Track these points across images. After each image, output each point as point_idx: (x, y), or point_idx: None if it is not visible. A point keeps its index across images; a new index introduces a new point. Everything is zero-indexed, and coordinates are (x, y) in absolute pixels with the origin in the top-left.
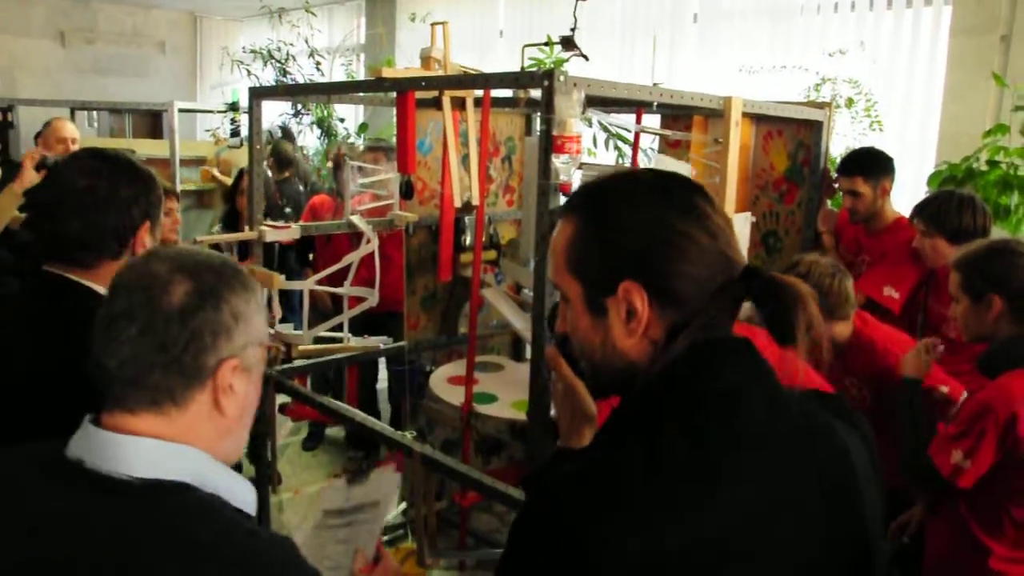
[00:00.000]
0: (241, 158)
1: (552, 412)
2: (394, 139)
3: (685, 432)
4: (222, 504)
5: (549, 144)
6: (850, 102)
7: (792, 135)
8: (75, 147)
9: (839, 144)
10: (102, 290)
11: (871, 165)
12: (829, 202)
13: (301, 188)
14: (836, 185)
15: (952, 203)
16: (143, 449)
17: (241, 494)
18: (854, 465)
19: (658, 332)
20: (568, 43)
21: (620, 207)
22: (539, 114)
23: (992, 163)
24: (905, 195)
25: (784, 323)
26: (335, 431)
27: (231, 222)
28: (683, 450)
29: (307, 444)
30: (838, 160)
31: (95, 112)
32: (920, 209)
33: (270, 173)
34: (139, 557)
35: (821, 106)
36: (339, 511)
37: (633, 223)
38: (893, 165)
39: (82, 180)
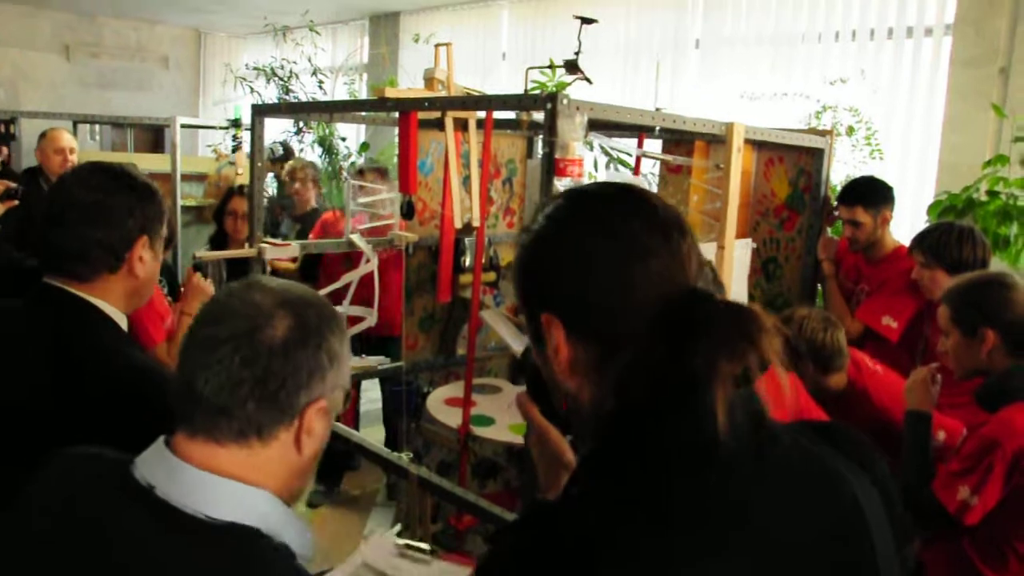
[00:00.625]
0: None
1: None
2: (394, 159)
3: (643, 505)
4: (290, 553)
5: (551, 167)
6: (851, 130)
7: (793, 162)
8: (73, 157)
9: (840, 172)
10: (104, 306)
11: (871, 194)
12: (829, 230)
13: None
14: (836, 213)
15: (952, 235)
16: (222, 490)
17: (300, 545)
18: (867, 521)
19: (590, 370)
20: (572, 67)
21: (545, 226)
22: (541, 137)
23: (992, 193)
24: (904, 224)
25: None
26: None
27: (219, 244)
28: (641, 526)
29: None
30: (839, 188)
31: (97, 126)
32: (920, 240)
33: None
34: None
35: (823, 133)
36: (381, 573)
37: (547, 247)
38: (893, 194)
39: (77, 193)
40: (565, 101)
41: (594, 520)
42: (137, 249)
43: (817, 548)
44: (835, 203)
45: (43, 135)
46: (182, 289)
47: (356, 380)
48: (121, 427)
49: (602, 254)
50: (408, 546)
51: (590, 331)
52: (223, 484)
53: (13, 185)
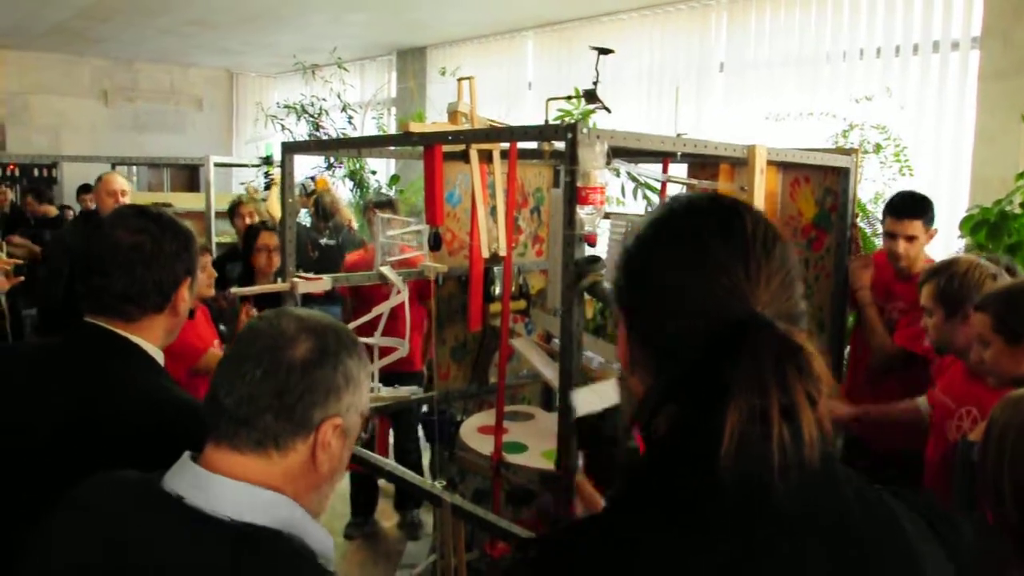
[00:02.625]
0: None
1: None
2: (421, 192)
3: (722, 512)
4: (312, 553)
5: (573, 195)
6: (878, 148)
7: (819, 182)
8: (125, 199)
9: (868, 190)
10: (145, 344)
11: (927, 209)
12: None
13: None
14: (883, 226)
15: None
16: (244, 493)
17: (322, 546)
18: None
19: (642, 372)
20: (591, 96)
21: (641, 229)
22: (564, 165)
23: None
24: (938, 242)
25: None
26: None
27: (247, 281)
28: (723, 535)
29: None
30: (867, 206)
31: (135, 167)
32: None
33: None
34: None
35: (848, 152)
36: None
37: (633, 248)
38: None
39: (128, 237)
40: (585, 130)
41: (623, 555)
42: (183, 290)
43: None
44: (882, 216)
45: (99, 179)
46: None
47: (390, 411)
48: (148, 457)
49: (667, 259)
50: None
51: (641, 335)
52: (245, 489)
53: (20, 261)
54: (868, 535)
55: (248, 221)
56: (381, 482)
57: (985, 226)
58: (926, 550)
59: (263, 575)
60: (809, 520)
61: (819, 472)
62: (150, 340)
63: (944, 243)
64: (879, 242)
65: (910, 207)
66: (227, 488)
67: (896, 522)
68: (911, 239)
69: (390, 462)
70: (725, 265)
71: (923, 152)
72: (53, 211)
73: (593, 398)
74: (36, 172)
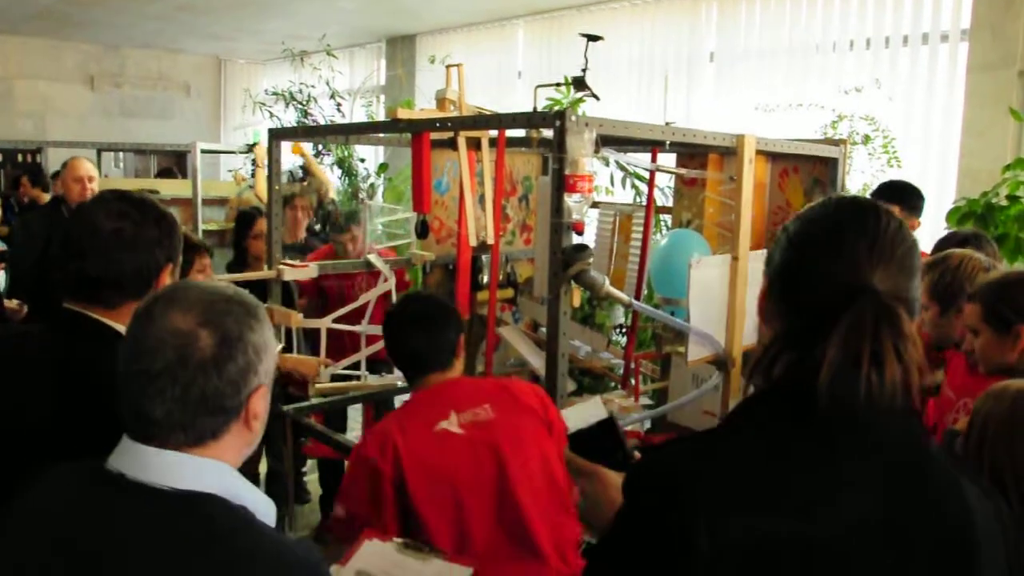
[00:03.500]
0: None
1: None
2: (409, 180)
3: (810, 429)
4: (250, 514)
5: (561, 183)
6: (867, 139)
7: (808, 172)
8: (92, 185)
9: (857, 180)
10: (116, 325)
11: (910, 196)
12: None
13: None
14: None
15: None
16: (180, 464)
17: (264, 508)
18: (975, 530)
19: (777, 327)
20: (580, 83)
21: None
22: (552, 153)
23: (1012, 198)
24: (924, 232)
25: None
26: None
27: (237, 267)
28: (807, 445)
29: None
30: (868, 195)
31: (121, 153)
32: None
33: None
34: (183, 558)
35: (837, 143)
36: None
37: (792, 226)
38: (923, 206)
39: (109, 222)
40: (573, 118)
41: (763, 443)
42: (164, 277)
43: (929, 524)
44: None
45: (64, 165)
46: None
47: (376, 399)
48: None
49: (810, 238)
50: (406, 544)
51: (776, 292)
52: (186, 460)
53: None
54: (931, 477)
55: (300, 216)
56: None
57: (972, 217)
58: (978, 506)
59: (206, 540)
60: (878, 447)
61: (899, 415)
62: None
63: (931, 236)
64: None
65: (887, 192)
66: (165, 460)
67: (955, 476)
68: None
69: None
70: (852, 244)
71: (911, 143)
72: (45, 197)
73: (581, 415)
74: (20, 158)
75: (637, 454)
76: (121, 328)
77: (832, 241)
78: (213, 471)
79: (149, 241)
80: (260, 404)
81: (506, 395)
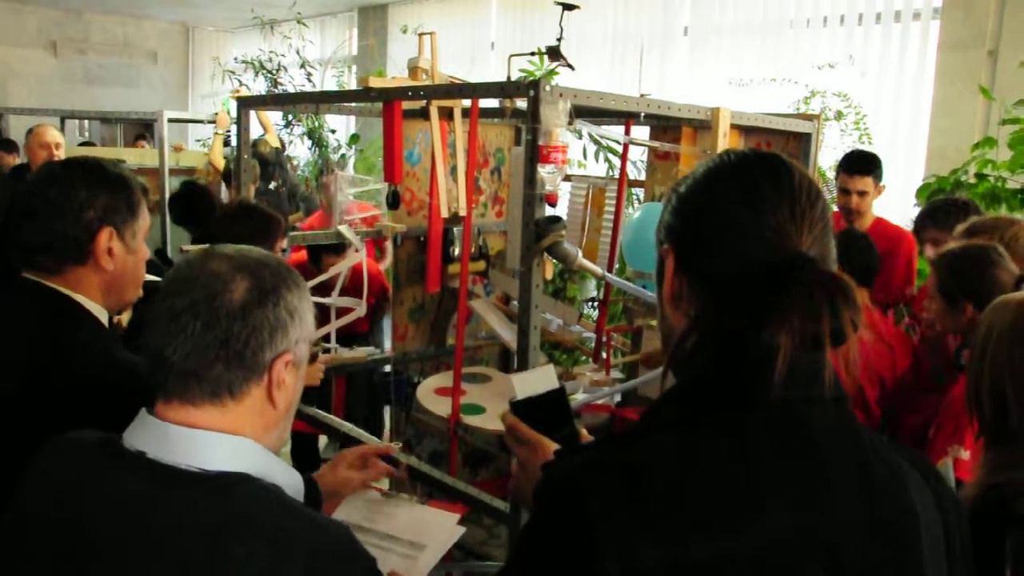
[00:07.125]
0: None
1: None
2: (381, 152)
3: (740, 427)
4: (282, 492)
5: (535, 154)
6: (840, 115)
7: (781, 147)
8: (59, 152)
9: (828, 157)
10: (79, 298)
11: (877, 166)
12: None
13: (288, 202)
14: (836, 184)
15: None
16: (208, 443)
17: (294, 484)
18: (919, 525)
19: (686, 305)
20: (554, 53)
21: (692, 174)
22: (525, 124)
23: (980, 176)
24: (893, 209)
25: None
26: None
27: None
28: (732, 446)
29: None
30: (827, 172)
31: (86, 121)
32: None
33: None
34: (221, 541)
35: (809, 118)
36: (357, 528)
37: (684, 189)
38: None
39: (43, 187)
40: (548, 88)
41: (673, 450)
42: (102, 241)
43: (867, 526)
44: (835, 175)
45: (29, 131)
46: None
47: (345, 371)
48: (100, 422)
49: (722, 197)
50: (388, 494)
51: (693, 267)
52: (209, 437)
53: None
54: (876, 477)
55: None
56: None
57: (940, 195)
58: (918, 498)
59: (239, 522)
60: (816, 445)
61: (831, 403)
62: (89, 296)
63: (901, 213)
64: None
65: (861, 163)
66: (190, 439)
67: (896, 469)
68: (862, 194)
69: (345, 423)
70: (774, 205)
71: (882, 120)
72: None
73: (531, 382)
74: None
75: (585, 433)
76: (76, 296)
77: (749, 197)
78: (240, 448)
79: (75, 205)
80: (286, 374)
81: None
